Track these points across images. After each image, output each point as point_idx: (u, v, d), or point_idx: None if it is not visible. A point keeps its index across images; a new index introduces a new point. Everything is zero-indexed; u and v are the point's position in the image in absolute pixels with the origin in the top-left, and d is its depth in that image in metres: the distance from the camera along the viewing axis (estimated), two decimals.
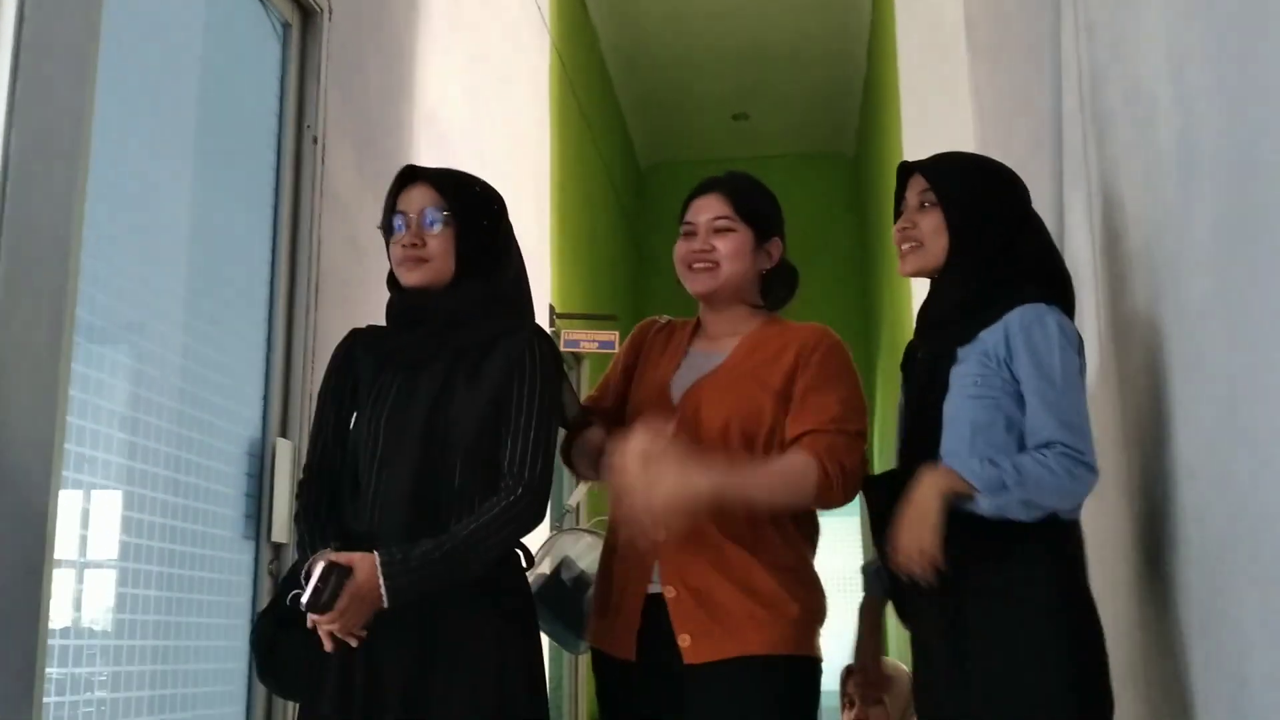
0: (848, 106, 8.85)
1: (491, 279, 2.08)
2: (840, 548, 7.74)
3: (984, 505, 1.88)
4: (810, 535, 2.14)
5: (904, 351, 2.29)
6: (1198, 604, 1.88)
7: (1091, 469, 1.90)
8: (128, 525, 2.28)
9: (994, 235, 2.07)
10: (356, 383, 2.09)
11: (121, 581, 2.27)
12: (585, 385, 6.38)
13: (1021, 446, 1.95)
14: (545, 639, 2.12)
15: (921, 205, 2.09)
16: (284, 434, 2.82)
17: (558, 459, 2.14)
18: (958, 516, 1.91)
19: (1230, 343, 1.69)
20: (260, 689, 2.57)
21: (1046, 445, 1.91)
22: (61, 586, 2.02)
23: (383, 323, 2.13)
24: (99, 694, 2.18)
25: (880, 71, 7.19)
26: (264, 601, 2.56)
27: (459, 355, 2.03)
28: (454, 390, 2.00)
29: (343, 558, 1.86)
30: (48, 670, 1.89)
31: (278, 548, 2.75)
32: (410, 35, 3.84)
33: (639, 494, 1.90)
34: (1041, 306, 1.99)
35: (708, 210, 2.19)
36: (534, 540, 2.09)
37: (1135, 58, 2.12)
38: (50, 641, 1.90)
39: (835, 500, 2.02)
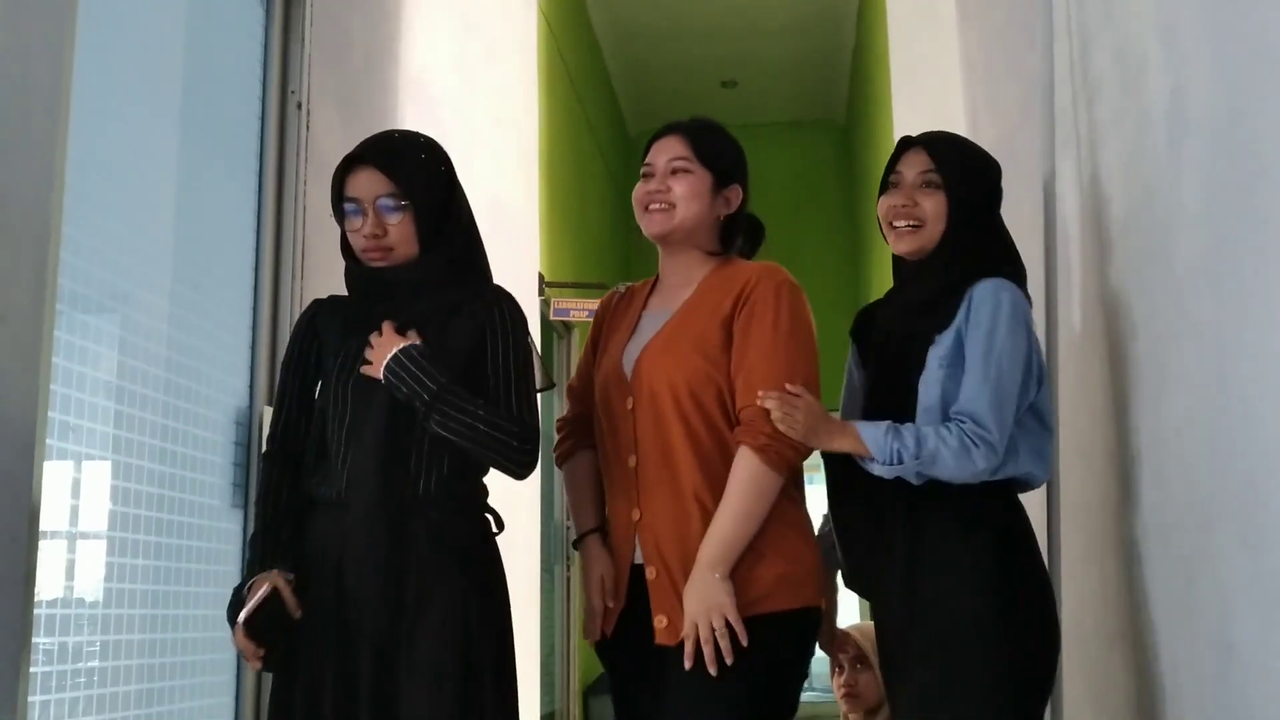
0: (837, 74, 8.81)
1: (452, 245, 2.07)
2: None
3: (878, 470, 1.96)
4: (791, 483, 2.06)
5: (856, 318, 2.29)
6: (1185, 567, 1.89)
7: (992, 450, 1.92)
8: (116, 494, 2.27)
9: (984, 224, 2.10)
10: (321, 351, 2.09)
11: (110, 551, 2.26)
12: (574, 354, 6.37)
13: None
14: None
15: (925, 184, 2.09)
16: (271, 402, 2.81)
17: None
18: (914, 488, 1.97)
19: (1219, 303, 1.69)
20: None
21: (957, 418, 1.95)
22: (50, 556, 2.02)
23: None
24: (89, 664, 2.18)
25: (870, 38, 7.15)
26: None
27: (424, 322, 2.03)
28: None
29: (282, 589, 1.92)
30: (37, 640, 1.88)
31: None
32: None
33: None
34: (1000, 281, 2.02)
35: (666, 151, 2.17)
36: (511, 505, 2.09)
37: (1125, 20, 2.11)
38: (39, 611, 1.89)
39: (799, 464, 2.04)
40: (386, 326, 2.00)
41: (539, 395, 2.13)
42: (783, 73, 8.79)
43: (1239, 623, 1.68)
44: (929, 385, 2.01)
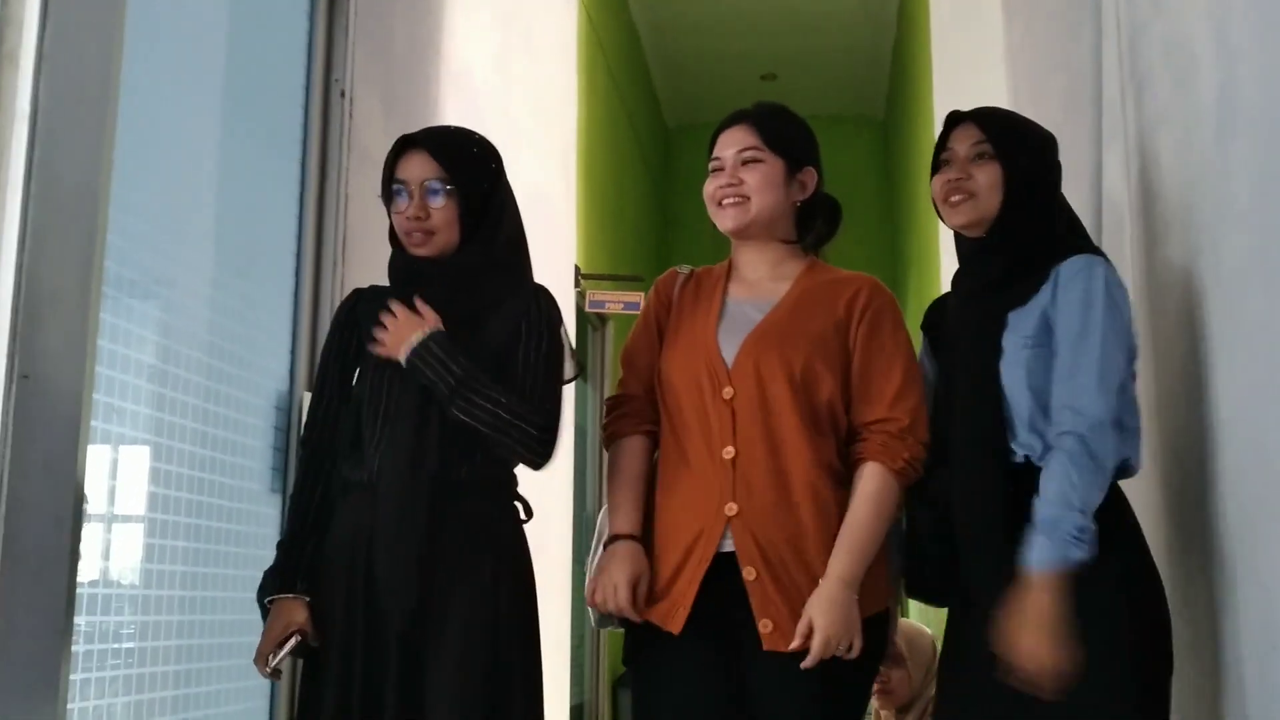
0: (877, 68, 8.76)
1: (494, 242, 2.08)
2: None
3: (1081, 556, 1.82)
4: None
5: (929, 310, 2.23)
6: (1229, 568, 1.86)
7: (1105, 436, 1.84)
8: (156, 477, 2.29)
9: (1044, 196, 2.05)
10: (360, 340, 2.10)
11: (149, 533, 2.28)
12: (611, 345, 6.37)
13: None
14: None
15: (977, 157, 2.04)
16: (311, 388, 2.83)
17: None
18: (1017, 515, 1.88)
19: (1269, 301, 1.67)
20: None
21: (1059, 419, 1.87)
22: (90, 537, 2.04)
23: None
24: (126, 644, 2.20)
25: (911, 34, 7.11)
26: None
27: (463, 316, 2.04)
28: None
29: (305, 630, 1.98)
30: (77, 620, 1.91)
31: None
32: None
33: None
34: (1090, 257, 1.97)
35: (734, 143, 2.10)
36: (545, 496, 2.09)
37: (1176, 14, 2.08)
38: (79, 591, 1.91)
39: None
40: (399, 307, 2.00)
41: (567, 385, 2.13)
42: (823, 66, 8.75)
43: None
44: (1012, 366, 1.95)
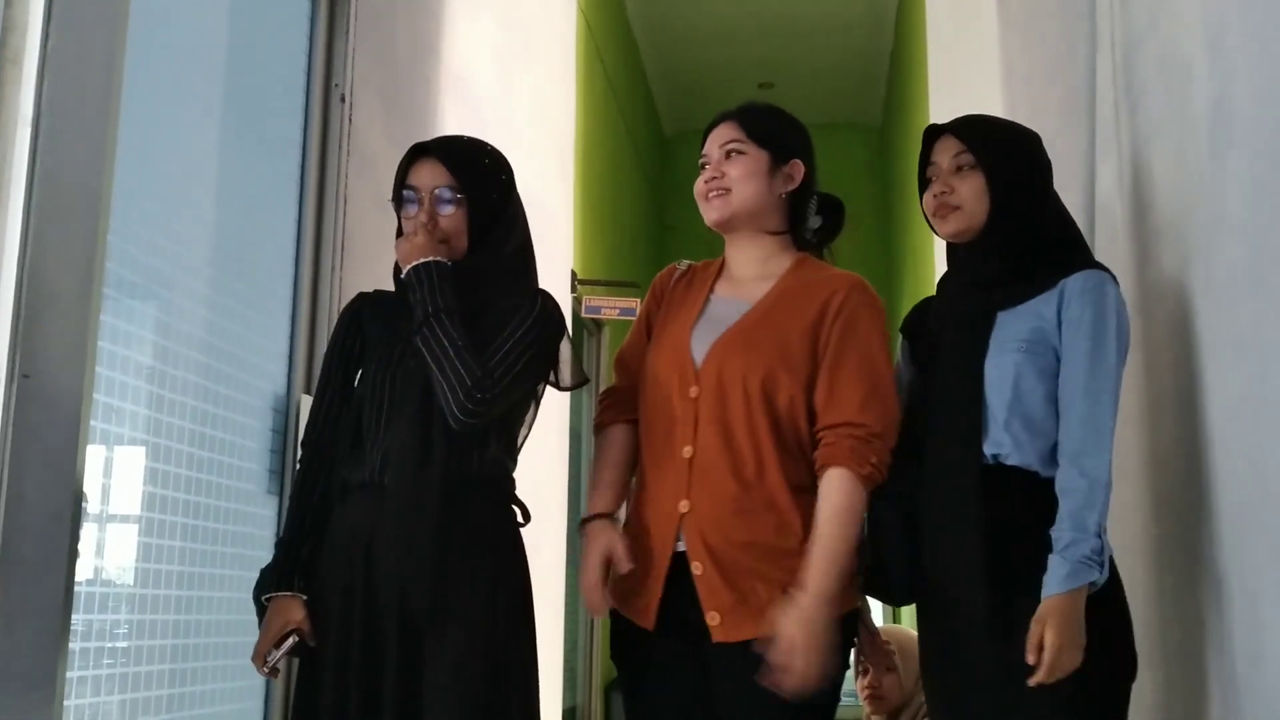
0: (874, 77, 8.79)
1: (502, 251, 2.10)
2: None
3: (1099, 576, 1.85)
4: None
5: (910, 313, 2.23)
6: (1215, 576, 1.88)
7: (1102, 513, 1.87)
8: (152, 476, 2.30)
9: (1032, 198, 2.05)
10: (363, 343, 2.11)
11: (145, 532, 2.29)
12: (606, 352, 6.38)
13: (1056, 419, 1.93)
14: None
15: (958, 169, 2.05)
16: (308, 391, 2.84)
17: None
18: (998, 524, 1.90)
19: (1260, 312, 1.69)
20: None
21: (1072, 463, 1.88)
22: (86, 535, 2.04)
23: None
24: (121, 643, 2.21)
25: (908, 43, 7.14)
26: None
27: (467, 318, 2.04)
28: None
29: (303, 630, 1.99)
30: (73, 618, 1.92)
31: None
32: None
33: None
34: (1100, 274, 1.97)
35: (718, 138, 2.13)
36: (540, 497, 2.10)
37: (1171, 27, 2.10)
38: (75, 589, 1.92)
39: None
40: (424, 229, 2.03)
41: (568, 391, 2.13)
42: (820, 75, 8.78)
43: (1269, 633, 1.67)
44: (1001, 366, 1.96)
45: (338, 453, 2.08)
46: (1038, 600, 1.85)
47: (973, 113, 2.20)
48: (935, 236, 2.27)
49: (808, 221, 2.15)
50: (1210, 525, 1.90)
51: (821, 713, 1.95)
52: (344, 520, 2.03)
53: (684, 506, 1.99)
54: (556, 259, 5.39)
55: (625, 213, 7.77)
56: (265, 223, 2.81)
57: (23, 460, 1.72)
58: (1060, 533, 1.85)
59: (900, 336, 2.22)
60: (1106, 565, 1.85)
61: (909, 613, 4.47)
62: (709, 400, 2.01)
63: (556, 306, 2.11)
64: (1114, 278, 2.00)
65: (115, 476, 2.20)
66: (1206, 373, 1.92)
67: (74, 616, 1.96)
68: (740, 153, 2.09)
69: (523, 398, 2.10)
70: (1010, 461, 1.94)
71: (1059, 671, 1.81)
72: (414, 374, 2.01)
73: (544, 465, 4.70)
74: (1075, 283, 1.95)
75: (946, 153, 2.08)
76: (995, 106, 3.74)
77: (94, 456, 2.09)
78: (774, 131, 2.12)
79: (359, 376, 2.12)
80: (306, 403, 2.80)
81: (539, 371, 2.08)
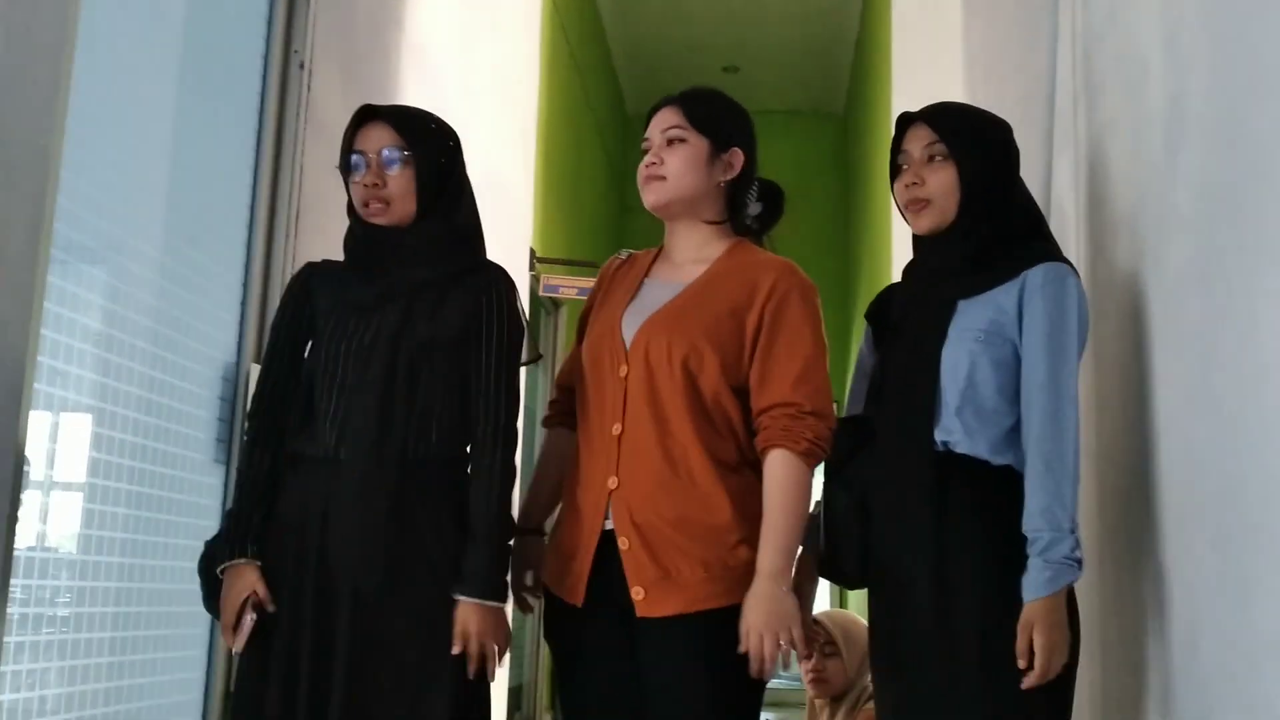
0: (838, 64, 8.80)
1: (450, 217, 2.10)
2: None
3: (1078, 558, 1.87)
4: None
5: (874, 300, 2.24)
6: (1156, 568, 1.91)
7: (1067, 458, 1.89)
8: (98, 443, 2.27)
9: (1001, 188, 2.06)
10: (314, 313, 2.10)
11: (90, 498, 2.26)
12: (564, 330, 6.37)
13: (1008, 410, 1.95)
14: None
15: (930, 159, 2.05)
16: (259, 360, 2.81)
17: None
18: (943, 468, 1.92)
19: (1206, 307, 1.71)
20: None
21: (1038, 458, 1.89)
22: (29, 501, 2.02)
23: None
24: (62, 611, 2.18)
25: (873, 30, 7.15)
26: None
27: (418, 291, 2.05)
28: (415, 323, 2.03)
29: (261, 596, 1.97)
30: (12, 583, 1.89)
31: None
32: None
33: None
34: (1063, 267, 1.98)
35: (661, 123, 2.13)
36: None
37: (1129, 25, 2.12)
38: (16, 553, 1.89)
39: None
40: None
41: (523, 367, 2.14)
42: (784, 61, 8.78)
43: (1206, 625, 1.70)
44: (957, 354, 1.96)
45: (287, 424, 2.06)
46: (983, 588, 1.87)
47: (946, 100, 2.19)
48: (894, 225, 2.28)
49: (746, 209, 2.17)
50: (1152, 518, 1.93)
51: (748, 685, 1.96)
52: (296, 491, 2.02)
53: (613, 483, 2.01)
54: (515, 237, 5.36)
55: (586, 192, 7.74)
56: (220, 189, 2.78)
57: None
58: (1037, 532, 1.85)
59: (865, 322, 2.22)
60: (1084, 561, 1.87)
61: (857, 597, 4.50)
62: (637, 378, 2.03)
63: (512, 284, 2.11)
64: (1075, 270, 2.01)
65: (61, 442, 2.18)
66: (1154, 367, 1.94)
67: (13, 582, 1.93)
68: (681, 140, 2.10)
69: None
70: (960, 450, 1.95)
71: (1052, 673, 1.83)
72: (369, 347, 2.00)
73: None
74: (1036, 275, 1.96)
75: (919, 142, 2.07)
76: (957, 96, 3.76)
77: (39, 422, 2.06)
78: (716, 119, 2.13)
79: (309, 348, 2.10)
80: (256, 372, 2.78)
81: (516, 378, 2.11)
